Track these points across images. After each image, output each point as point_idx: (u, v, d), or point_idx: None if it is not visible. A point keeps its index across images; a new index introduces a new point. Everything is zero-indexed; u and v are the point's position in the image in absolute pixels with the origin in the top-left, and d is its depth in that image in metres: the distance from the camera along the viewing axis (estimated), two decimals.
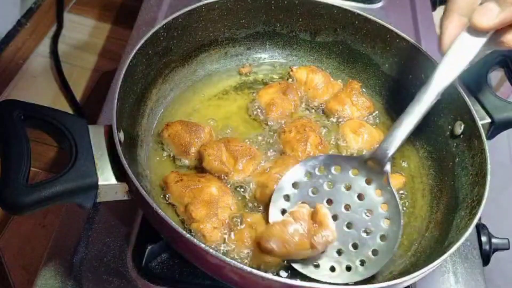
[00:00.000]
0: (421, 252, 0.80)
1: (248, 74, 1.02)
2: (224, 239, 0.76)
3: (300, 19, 1.00)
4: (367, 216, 0.77)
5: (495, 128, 0.87)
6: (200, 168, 0.84)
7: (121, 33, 1.39)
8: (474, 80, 0.89)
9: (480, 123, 0.83)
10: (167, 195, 0.80)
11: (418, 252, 0.81)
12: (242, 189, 0.82)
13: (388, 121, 0.98)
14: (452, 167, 0.87)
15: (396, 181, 0.88)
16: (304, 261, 0.74)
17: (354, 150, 0.91)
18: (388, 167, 0.76)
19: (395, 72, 0.98)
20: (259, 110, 0.94)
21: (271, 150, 0.88)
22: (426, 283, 0.85)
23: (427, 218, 0.86)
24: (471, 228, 0.72)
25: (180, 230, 0.64)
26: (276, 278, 0.64)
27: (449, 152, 0.89)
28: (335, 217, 0.76)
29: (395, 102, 0.99)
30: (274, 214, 0.77)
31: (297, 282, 0.64)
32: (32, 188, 0.62)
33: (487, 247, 0.92)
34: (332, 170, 0.79)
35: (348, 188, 0.78)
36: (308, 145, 0.86)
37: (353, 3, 1.23)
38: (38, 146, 1.10)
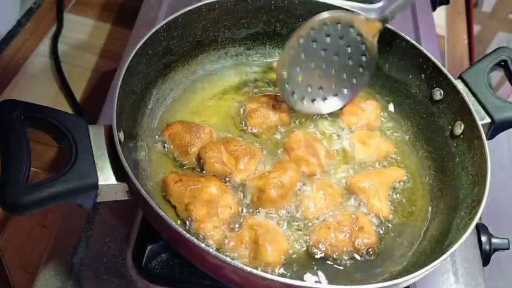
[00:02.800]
0: (421, 252, 0.80)
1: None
2: (225, 238, 0.76)
3: (300, 19, 1.00)
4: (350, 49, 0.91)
5: (495, 128, 0.87)
6: (200, 168, 0.84)
7: (121, 33, 1.39)
8: (474, 80, 0.89)
9: (480, 123, 0.83)
10: (166, 195, 0.80)
11: (418, 252, 0.81)
12: (241, 193, 0.82)
13: (388, 121, 0.98)
14: (452, 167, 0.87)
15: (396, 173, 0.88)
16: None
17: (361, 159, 0.90)
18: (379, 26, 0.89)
19: (395, 72, 0.98)
20: (242, 114, 0.92)
21: (271, 152, 0.88)
22: (426, 283, 0.85)
23: (427, 218, 0.86)
24: (471, 228, 0.72)
25: (180, 230, 0.64)
26: (276, 278, 0.64)
27: (449, 152, 0.89)
28: (324, 50, 0.89)
29: (395, 102, 0.99)
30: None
31: (297, 282, 0.64)
32: (32, 188, 0.62)
33: (487, 247, 0.92)
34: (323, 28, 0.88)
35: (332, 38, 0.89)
36: (320, 158, 0.86)
37: (353, 3, 1.23)
38: (38, 146, 1.10)
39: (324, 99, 0.93)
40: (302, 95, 0.92)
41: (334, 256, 0.78)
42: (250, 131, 0.91)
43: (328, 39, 0.89)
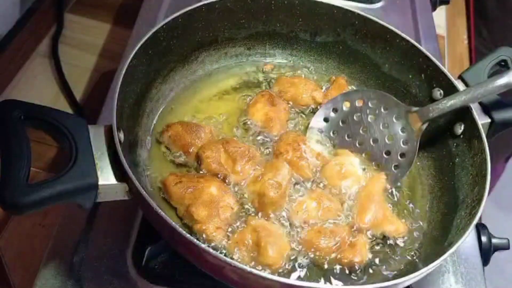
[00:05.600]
0: (421, 252, 0.80)
1: (270, 71, 1.02)
2: (227, 238, 0.76)
3: (300, 19, 1.00)
4: (389, 141, 0.88)
5: (495, 128, 0.87)
6: (201, 168, 0.84)
7: (121, 33, 1.39)
8: (474, 80, 0.89)
9: (480, 123, 0.83)
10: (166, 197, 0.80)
11: (418, 252, 0.81)
12: (240, 194, 0.82)
13: None
14: (452, 167, 0.87)
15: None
16: None
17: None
18: (423, 126, 0.85)
19: (395, 72, 0.98)
20: (258, 129, 0.91)
21: (266, 154, 0.87)
22: (426, 283, 0.85)
23: (427, 218, 0.86)
24: (471, 228, 0.72)
25: (180, 230, 0.64)
26: (276, 278, 0.64)
27: (449, 152, 0.89)
28: (361, 143, 0.90)
29: None
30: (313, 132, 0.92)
31: (297, 282, 0.64)
32: (32, 188, 0.62)
33: (487, 247, 0.92)
34: (369, 104, 0.90)
35: (376, 119, 0.89)
36: (309, 159, 0.86)
37: (353, 3, 1.23)
38: (38, 146, 1.09)
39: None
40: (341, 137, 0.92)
41: (320, 260, 0.77)
42: (265, 138, 0.90)
43: (370, 118, 0.89)
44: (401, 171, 0.87)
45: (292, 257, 0.77)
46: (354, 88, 1.00)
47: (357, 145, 0.90)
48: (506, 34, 1.72)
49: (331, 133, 0.92)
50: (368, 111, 0.90)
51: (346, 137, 0.91)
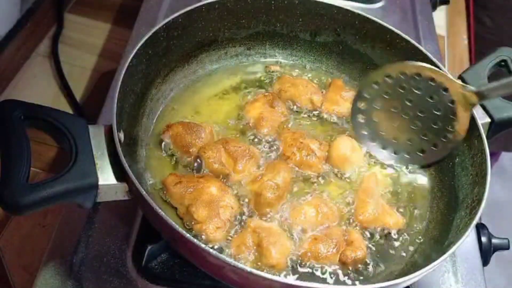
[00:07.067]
0: (421, 252, 0.80)
1: (275, 72, 1.02)
2: (227, 239, 0.76)
3: (300, 19, 1.00)
4: (437, 112, 0.85)
5: (495, 127, 0.87)
6: (199, 168, 0.84)
7: (121, 33, 1.39)
8: (474, 80, 0.89)
9: (480, 122, 0.84)
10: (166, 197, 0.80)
11: (418, 252, 0.81)
12: (240, 193, 0.82)
13: None
14: (452, 167, 0.87)
15: (399, 221, 0.85)
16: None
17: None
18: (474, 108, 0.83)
19: None
20: (249, 126, 0.91)
21: (266, 155, 0.87)
22: (426, 283, 0.85)
23: (427, 218, 0.86)
24: (471, 228, 0.72)
25: (180, 230, 0.64)
26: (276, 278, 0.64)
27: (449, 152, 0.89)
28: (407, 113, 0.87)
29: None
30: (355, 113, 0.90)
31: (297, 282, 0.64)
32: (32, 188, 0.62)
33: (487, 247, 0.92)
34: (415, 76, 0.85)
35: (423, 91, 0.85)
36: (317, 153, 0.87)
37: (353, 3, 1.23)
38: (38, 146, 1.09)
39: (394, 152, 0.90)
40: (373, 136, 0.90)
41: (322, 268, 0.77)
42: (263, 138, 0.90)
43: (418, 92, 0.85)
44: (449, 145, 0.86)
45: (293, 261, 0.77)
46: (352, 89, 0.98)
47: (404, 115, 0.87)
48: (509, 17, 1.72)
49: (375, 104, 0.89)
50: (413, 82, 0.85)
51: (392, 108, 0.88)
